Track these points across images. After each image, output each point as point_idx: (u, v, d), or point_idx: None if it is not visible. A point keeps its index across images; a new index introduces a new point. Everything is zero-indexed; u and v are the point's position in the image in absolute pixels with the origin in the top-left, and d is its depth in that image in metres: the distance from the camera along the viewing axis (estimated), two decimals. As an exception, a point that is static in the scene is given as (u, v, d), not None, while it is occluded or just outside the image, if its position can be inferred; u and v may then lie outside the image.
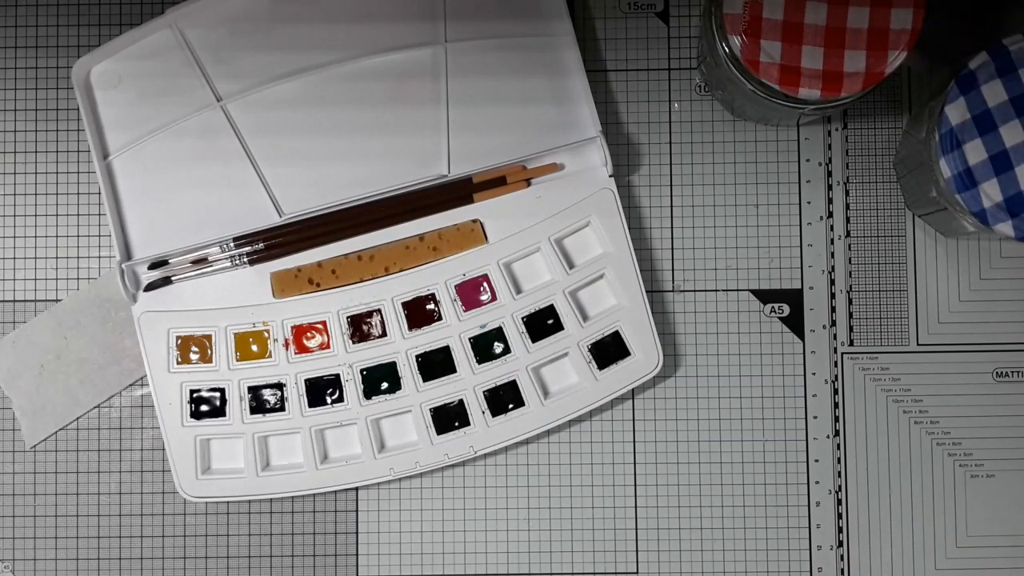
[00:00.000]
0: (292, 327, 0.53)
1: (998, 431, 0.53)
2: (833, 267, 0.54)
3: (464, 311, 0.53)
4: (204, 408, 0.53)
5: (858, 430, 0.54)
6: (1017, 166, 0.46)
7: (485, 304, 0.53)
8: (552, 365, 0.53)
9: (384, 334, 0.53)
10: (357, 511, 0.54)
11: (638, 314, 0.52)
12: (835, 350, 0.54)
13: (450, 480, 0.54)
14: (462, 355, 0.52)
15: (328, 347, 0.53)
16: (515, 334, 0.52)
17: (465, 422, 0.52)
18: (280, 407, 0.53)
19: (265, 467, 0.53)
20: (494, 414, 0.52)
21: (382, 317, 0.53)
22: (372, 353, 0.53)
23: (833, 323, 0.54)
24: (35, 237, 0.55)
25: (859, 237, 0.54)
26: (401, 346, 0.52)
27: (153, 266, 0.53)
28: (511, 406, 0.52)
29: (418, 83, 0.53)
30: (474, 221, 0.53)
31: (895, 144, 0.54)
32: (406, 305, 0.53)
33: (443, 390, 0.52)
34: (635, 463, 0.54)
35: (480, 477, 0.54)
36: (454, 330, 0.52)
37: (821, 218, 0.54)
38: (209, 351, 0.53)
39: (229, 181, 0.53)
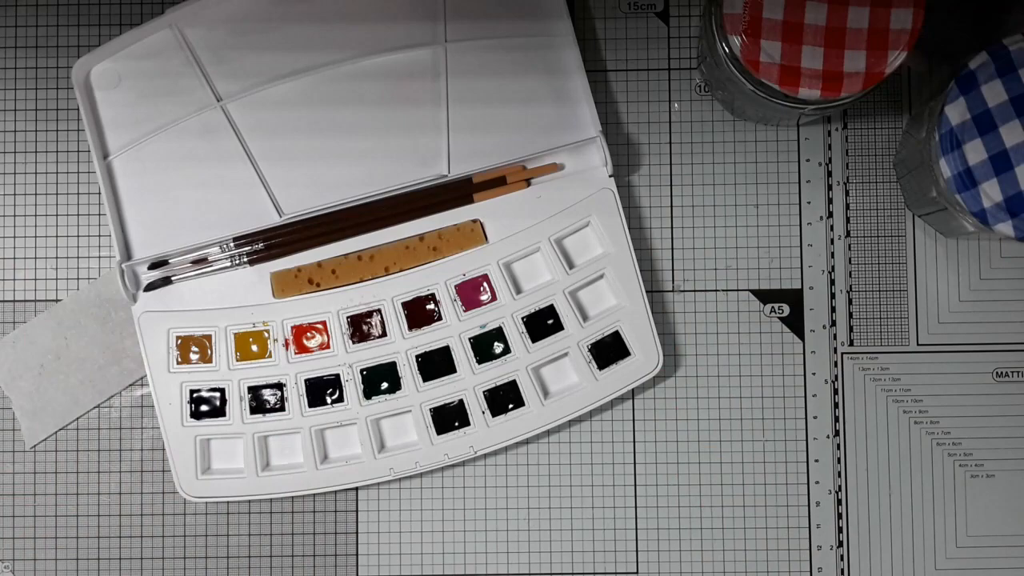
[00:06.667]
0: (292, 327, 0.53)
1: (998, 431, 0.53)
2: (833, 267, 0.54)
3: (464, 311, 0.53)
4: (204, 408, 0.53)
5: (858, 430, 0.54)
6: (1017, 166, 0.46)
7: (485, 304, 0.53)
8: (552, 365, 0.53)
9: (384, 334, 0.53)
10: (357, 511, 0.54)
11: (638, 314, 0.52)
12: (835, 350, 0.54)
13: (450, 480, 0.54)
14: (462, 355, 0.52)
15: (328, 347, 0.53)
16: (515, 334, 0.52)
17: (465, 422, 0.52)
18: (280, 407, 0.53)
19: (265, 467, 0.53)
20: (494, 414, 0.52)
21: (382, 317, 0.53)
22: (372, 353, 0.53)
23: (833, 323, 0.54)
24: (35, 237, 0.55)
25: (859, 237, 0.54)
26: (401, 346, 0.52)
27: (153, 266, 0.53)
28: (511, 406, 0.52)
29: (418, 83, 0.53)
30: (474, 221, 0.53)
31: (895, 144, 0.54)
32: (406, 305, 0.53)
33: (443, 390, 0.52)
34: (635, 463, 0.54)
35: (480, 477, 0.54)
36: (454, 330, 0.52)
37: (821, 218, 0.54)
38: (209, 351, 0.53)
39: (229, 181, 0.53)
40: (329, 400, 0.53)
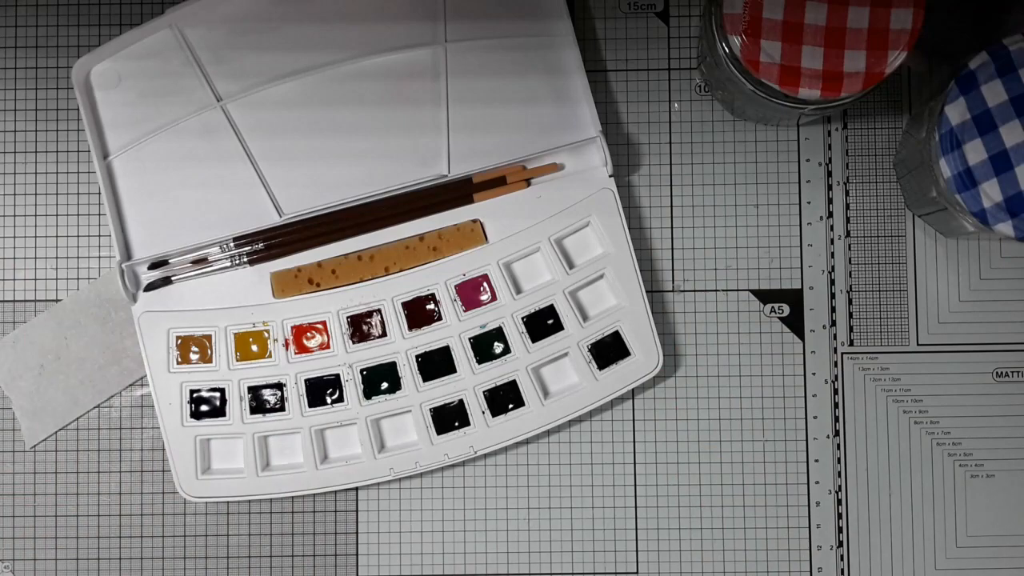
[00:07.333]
0: (292, 327, 0.53)
1: (998, 431, 0.53)
2: (833, 267, 0.54)
3: (464, 311, 0.53)
4: (204, 408, 0.53)
5: (858, 430, 0.54)
6: (1017, 166, 0.46)
7: (485, 304, 0.53)
8: (552, 365, 0.53)
9: (384, 334, 0.53)
10: (357, 511, 0.54)
11: (638, 314, 0.52)
12: (835, 350, 0.54)
13: (450, 480, 0.54)
14: (462, 355, 0.52)
15: (328, 347, 0.53)
16: (515, 334, 0.52)
17: (465, 422, 0.52)
18: (280, 407, 0.53)
19: (265, 467, 0.53)
20: (494, 414, 0.52)
21: (382, 317, 0.53)
22: (372, 353, 0.53)
23: (833, 323, 0.54)
24: (35, 237, 0.55)
25: (859, 237, 0.54)
26: (401, 346, 0.52)
27: (153, 266, 0.53)
28: (511, 406, 0.52)
29: (418, 83, 0.53)
30: (474, 221, 0.53)
31: (895, 144, 0.54)
32: (406, 305, 0.53)
33: (443, 390, 0.52)
34: (635, 463, 0.54)
35: (480, 477, 0.54)
36: (454, 330, 0.52)
37: (821, 218, 0.54)
38: (209, 351, 0.53)
39: (229, 181, 0.53)
40: (329, 400, 0.53)
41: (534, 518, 0.54)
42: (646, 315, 0.52)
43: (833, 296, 0.54)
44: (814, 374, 0.54)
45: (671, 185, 0.55)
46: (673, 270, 0.54)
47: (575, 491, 0.54)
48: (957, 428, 0.53)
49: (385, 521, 0.54)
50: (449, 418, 0.53)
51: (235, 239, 0.53)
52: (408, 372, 0.52)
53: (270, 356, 0.53)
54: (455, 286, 0.53)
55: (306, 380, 0.53)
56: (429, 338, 0.52)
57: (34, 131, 0.55)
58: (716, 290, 0.54)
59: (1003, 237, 0.47)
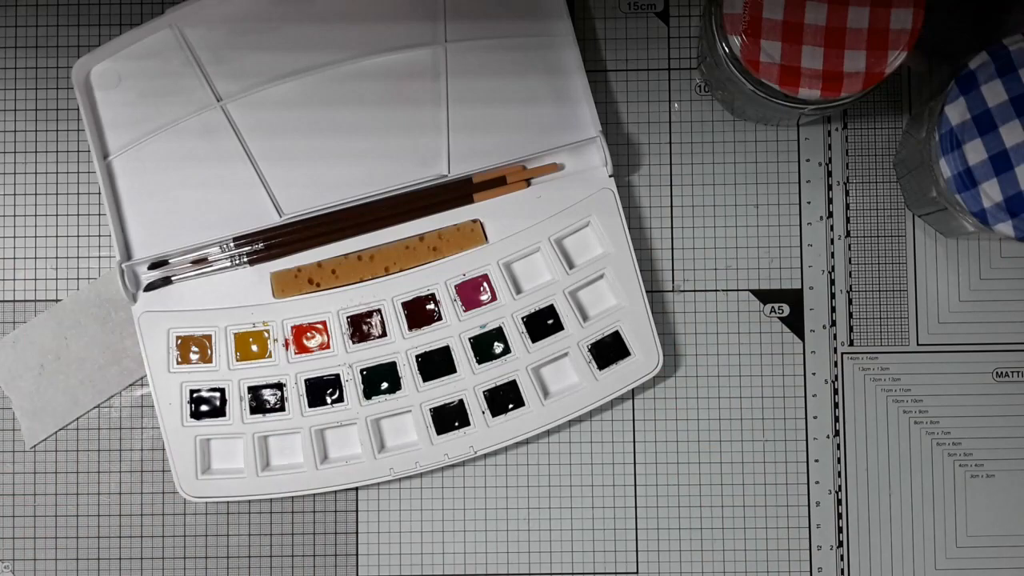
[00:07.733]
0: (292, 327, 0.53)
1: (998, 431, 0.53)
2: (833, 267, 0.54)
3: (464, 311, 0.53)
4: (204, 408, 0.53)
5: (858, 430, 0.54)
6: (1017, 166, 0.46)
7: (485, 304, 0.53)
8: (552, 365, 0.53)
9: (384, 334, 0.53)
10: (357, 511, 0.54)
11: (638, 314, 0.52)
12: (835, 350, 0.54)
13: (450, 480, 0.54)
14: (462, 355, 0.52)
15: (328, 347, 0.53)
16: (515, 334, 0.52)
17: (465, 422, 0.52)
18: (280, 407, 0.53)
19: (265, 467, 0.53)
20: (494, 414, 0.52)
21: (382, 317, 0.53)
22: (372, 353, 0.53)
23: (833, 323, 0.54)
24: (35, 237, 0.55)
25: (859, 237, 0.54)
26: (401, 346, 0.52)
27: (153, 266, 0.53)
28: (511, 406, 0.52)
29: (418, 83, 0.53)
30: (474, 221, 0.53)
31: (895, 144, 0.54)
32: (406, 305, 0.53)
33: (443, 390, 0.52)
34: (635, 463, 0.54)
35: (480, 477, 0.54)
36: (454, 330, 0.52)
37: (821, 218, 0.54)
38: (209, 351, 0.53)
39: (229, 181, 0.53)
40: (329, 400, 0.53)
41: (534, 518, 0.54)
42: (646, 315, 0.52)
43: (833, 296, 0.54)
44: (814, 374, 0.54)
45: (671, 185, 0.55)
46: (673, 270, 0.54)
47: (575, 491, 0.54)
48: (957, 428, 0.53)
49: (385, 521, 0.54)
50: (449, 418, 0.53)
51: (235, 239, 0.53)
52: (408, 372, 0.52)
53: (270, 356, 0.53)
54: (455, 286, 0.53)
55: (306, 380, 0.53)
56: (429, 338, 0.53)
57: (34, 131, 0.55)
58: (716, 290, 0.54)
59: (1003, 237, 0.47)
